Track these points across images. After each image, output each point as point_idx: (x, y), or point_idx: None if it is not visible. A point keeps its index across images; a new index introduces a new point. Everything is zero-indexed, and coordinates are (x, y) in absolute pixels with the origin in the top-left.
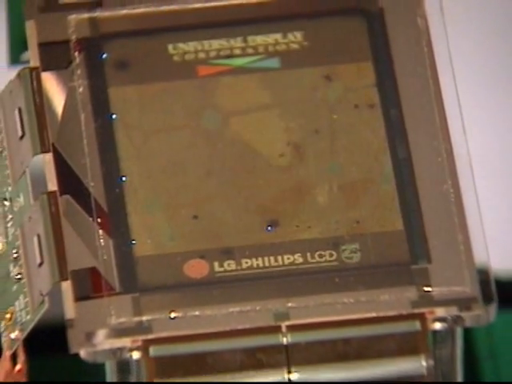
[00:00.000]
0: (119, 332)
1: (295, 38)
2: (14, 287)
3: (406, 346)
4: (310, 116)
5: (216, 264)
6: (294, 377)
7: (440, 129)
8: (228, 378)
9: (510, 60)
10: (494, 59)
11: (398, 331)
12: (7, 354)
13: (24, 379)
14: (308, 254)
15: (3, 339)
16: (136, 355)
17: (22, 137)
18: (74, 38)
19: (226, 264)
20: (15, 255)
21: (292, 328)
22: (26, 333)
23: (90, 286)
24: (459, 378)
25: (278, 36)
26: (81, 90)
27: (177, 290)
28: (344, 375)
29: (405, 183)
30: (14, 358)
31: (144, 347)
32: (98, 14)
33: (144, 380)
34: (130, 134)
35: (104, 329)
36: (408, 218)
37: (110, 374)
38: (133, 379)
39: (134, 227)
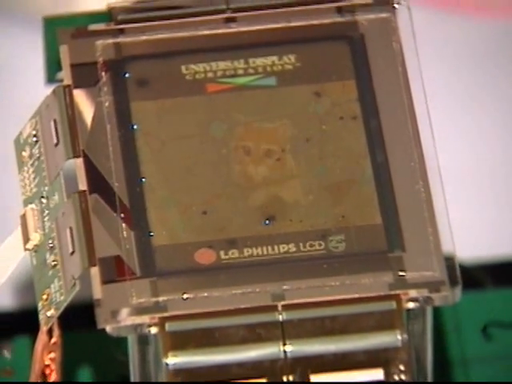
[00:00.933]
0: (139, 310)
1: (289, 60)
2: (50, 272)
3: (383, 322)
4: (301, 126)
5: (222, 252)
6: (289, 348)
7: (413, 137)
8: (232, 349)
9: (476, 79)
10: (463, 78)
11: (376, 310)
12: (44, 329)
13: (59, 350)
14: (300, 244)
15: (40, 317)
16: (154, 330)
17: (56, 144)
18: (100, 60)
19: (230, 252)
20: (51, 245)
21: (287, 307)
22: (60, 311)
23: (114, 271)
24: (429, 349)
25: (275, 58)
26: (107, 104)
27: (188, 274)
28: (330, 347)
29: (383, 184)
30: (50, 333)
31: (160, 323)
32: (121, 39)
33: (161, 351)
34: (148, 142)
35: (126, 308)
36: (385, 213)
37: (132, 347)
38: (151, 351)
39: (152, 221)
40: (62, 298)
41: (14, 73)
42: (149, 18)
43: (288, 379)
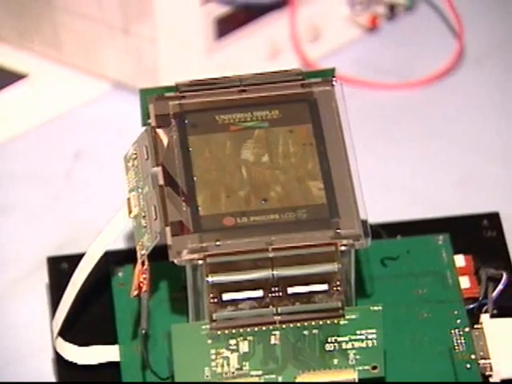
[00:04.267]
0: (192, 251)
1: (275, 112)
2: (143, 230)
3: (327, 258)
4: (281, 149)
5: (238, 219)
6: (275, 272)
7: (344, 155)
8: (243, 272)
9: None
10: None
11: (323, 251)
12: (139, 261)
13: (148, 273)
14: (281, 214)
15: (137, 254)
16: (200, 262)
17: (147, 159)
18: (171, 112)
19: (242, 219)
20: (143, 215)
21: (274, 249)
22: (148, 251)
23: (178, 229)
24: (352, 272)
25: (267, 112)
26: (175, 137)
27: (219, 231)
28: (298, 272)
29: (326, 181)
30: (143, 263)
31: (204, 258)
32: (183, 101)
33: (204, 274)
34: (197, 158)
35: (185, 250)
36: (328, 197)
37: (188, 271)
38: (199, 274)
39: (199, 202)
40: (149, 244)
41: (125, 122)
42: (197, 89)
43: (274, 290)
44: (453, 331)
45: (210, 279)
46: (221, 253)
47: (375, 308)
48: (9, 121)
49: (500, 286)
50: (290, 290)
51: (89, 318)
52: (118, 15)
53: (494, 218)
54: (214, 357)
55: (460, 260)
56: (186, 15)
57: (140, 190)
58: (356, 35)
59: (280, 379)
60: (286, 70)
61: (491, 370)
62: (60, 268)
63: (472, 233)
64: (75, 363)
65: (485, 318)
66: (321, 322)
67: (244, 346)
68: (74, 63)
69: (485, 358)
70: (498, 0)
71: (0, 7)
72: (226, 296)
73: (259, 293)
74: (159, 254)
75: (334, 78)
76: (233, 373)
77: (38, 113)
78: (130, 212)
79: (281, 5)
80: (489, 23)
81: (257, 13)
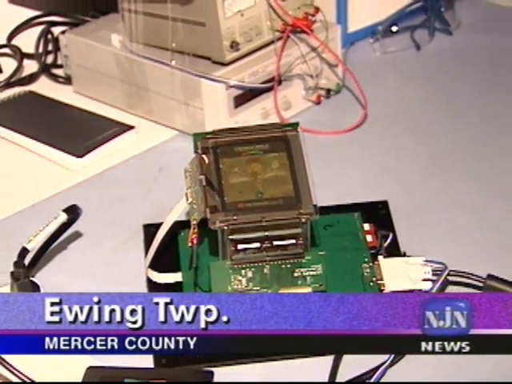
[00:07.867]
0: (221, 222)
1: (266, 146)
2: (194, 210)
3: (295, 225)
4: (269, 166)
5: (246, 204)
6: (266, 233)
7: (304, 169)
8: (247, 234)
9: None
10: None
11: (293, 222)
12: (192, 227)
13: (197, 233)
14: (270, 201)
15: (191, 223)
16: (225, 228)
17: (196, 171)
18: (210, 146)
19: (248, 204)
20: (194, 202)
21: (266, 221)
22: (197, 222)
23: (213, 209)
24: (308, 234)
25: (262, 145)
26: (212, 159)
27: (236, 211)
28: (279, 233)
29: (294, 183)
30: (194, 228)
31: (227, 226)
32: (217, 140)
33: (227, 234)
34: (225, 170)
35: (217, 221)
36: (295, 192)
37: (219, 233)
38: (225, 234)
39: (225, 195)
40: (198, 218)
41: (185, 151)
42: (224, 133)
43: (265, 243)
44: (363, 265)
45: (230, 237)
46: (236, 223)
47: (321, 253)
48: (123, 152)
49: (388, 241)
50: (275, 243)
51: (165, 258)
52: (182, 95)
53: (384, 204)
54: (232, 280)
55: (366, 226)
56: (218, 96)
57: (192, 188)
58: (309, 106)
59: (269, 291)
60: (272, 123)
61: (384, 286)
62: (150, 231)
63: (373, 212)
64: (158, 283)
65: (380, 258)
66: (291, 261)
67: (249, 274)
68: (159, 121)
69: (380, 280)
70: (373, 85)
71: (116, 91)
72: (240, 246)
73: (257, 245)
74: (203, 223)
75: (298, 128)
76: (243, 288)
77: (140, 147)
78: (187, 200)
79: (269, 89)
80: (383, 99)
81: (256, 93)
